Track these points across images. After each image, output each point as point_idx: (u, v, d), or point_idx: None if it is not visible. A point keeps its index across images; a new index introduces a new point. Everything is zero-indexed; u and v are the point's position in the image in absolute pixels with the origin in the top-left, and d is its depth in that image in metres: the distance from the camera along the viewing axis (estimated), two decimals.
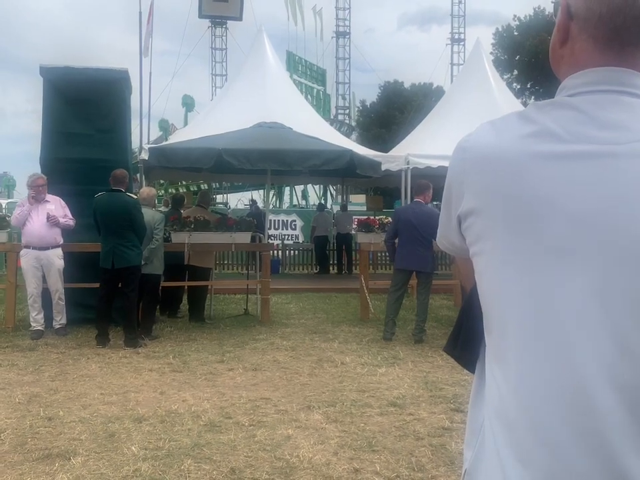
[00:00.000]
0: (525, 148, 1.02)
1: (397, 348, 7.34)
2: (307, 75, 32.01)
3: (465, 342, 1.25)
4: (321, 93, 33.45)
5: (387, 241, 8.09)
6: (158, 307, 8.63)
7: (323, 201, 22.98)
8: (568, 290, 0.97)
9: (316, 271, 16.46)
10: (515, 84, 35.11)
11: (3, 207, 17.37)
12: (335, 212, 19.17)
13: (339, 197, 23.95)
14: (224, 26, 34.37)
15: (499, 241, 1.03)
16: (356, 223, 12.09)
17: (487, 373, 1.09)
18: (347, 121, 36.67)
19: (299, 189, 29.68)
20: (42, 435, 4.41)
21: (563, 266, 0.98)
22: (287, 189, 29.50)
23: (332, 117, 33.19)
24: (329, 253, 16.80)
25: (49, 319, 7.90)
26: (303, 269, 17.06)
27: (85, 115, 8.29)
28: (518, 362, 1.01)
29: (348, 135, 26.33)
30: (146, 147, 10.87)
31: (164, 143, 16.77)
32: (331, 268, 16.66)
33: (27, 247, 7.74)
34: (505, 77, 33.27)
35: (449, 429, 4.62)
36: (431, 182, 8.07)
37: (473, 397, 1.17)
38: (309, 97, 29.13)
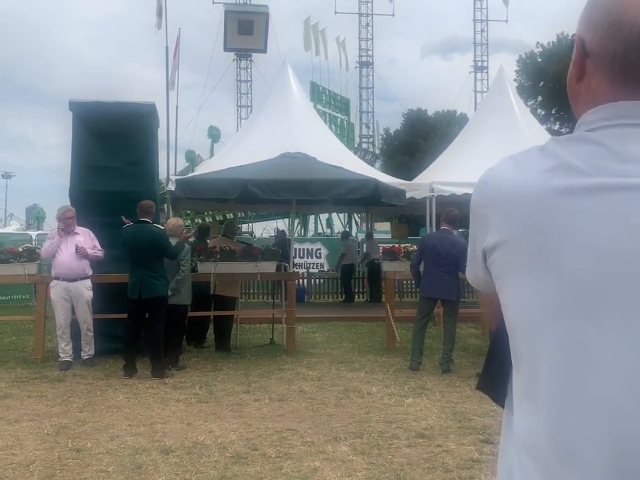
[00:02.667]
0: (547, 182, 1.01)
1: (424, 378, 7.27)
2: (331, 105, 32.30)
3: (495, 378, 1.25)
4: (345, 122, 33.70)
5: (412, 267, 8.08)
6: (184, 337, 8.67)
7: (347, 229, 23.01)
8: (597, 325, 0.96)
9: (341, 300, 16.41)
10: (539, 110, 35.00)
11: (33, 238, 17.63)
12: (359, 240, 19.12)
13: (364, 225, 23.95)
14: (249, 58, 34.92)
15: (523, 276, 1.03)
16: (381, 251, 12.06)
17: (515, 407, 1.08)
18: (371, 150, 36.80)
19: (323, 217, 29.76)
20: (70, 466, 4.43)
21: (588, 301, 0.97)
22: (312, 217, 29.61)
23: (356, 146, 33.33)
24: (355, 281, 16.76)
25: (77, 349, 7.98)
26: (328, 297, 17.03)
27: (113, 148, 8.45)
28: (549, 395, 1.00)
29: (372, 163, 26.40)
30: (173, 178, 11.02)
31: (190, 173, 16.98)
32: (357, 296, 16.60)
33: (57, 278, 7.86)
34: (529, 103, 33.20)
35: (479, 460, 4.54)
36: (459, 213, 8.05)
37: (504, 435, 1.15)
38: (332, 126, 29.35)
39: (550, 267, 1.00)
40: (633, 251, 0.95)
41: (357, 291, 16.78)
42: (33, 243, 15.24)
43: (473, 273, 1.22)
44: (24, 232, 25.04)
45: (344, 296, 16.43)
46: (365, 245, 17.17)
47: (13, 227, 29.63)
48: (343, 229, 25.22)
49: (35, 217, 41.70)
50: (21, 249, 8.43)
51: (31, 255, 8.40)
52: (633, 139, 1.00)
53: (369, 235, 17.17)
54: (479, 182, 1.13)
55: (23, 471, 4.35)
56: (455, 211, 8.07)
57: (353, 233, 24.16)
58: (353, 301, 16.16)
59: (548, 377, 1.00)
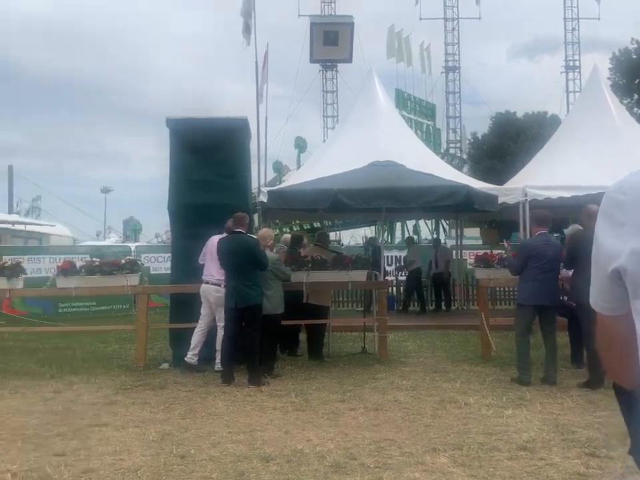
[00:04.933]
0: None
1: (522, 389, 7.06)
2: (417, 111, 32.00)
3: None
4: (431, 127, 33.32)
5: (516, 274, 7.79)
6: (278, 345, 8.80)
7: (435, 235, 22.73)
8: None
9: (431, 308, 16.15)
10: (635, 108, 33.46)
11: (132, 250, 18.34)
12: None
13: (452, 231, 23.55)
14: (334, 69, 35.14)
15: None
16: (473, 257, 11.82)
17: None
18: (459, 154, 36.23)
19: (410, 223, 29.48)
20: (176, 472, 4.58)
21: None
22: (398, 224, 29.39)
23: (443, 151, 32.90)
24: (426, 289, 16.49)
25: (178, 357, 8.31)
26: (417, 306, 16.82)
27: (208, 162, 8.71)
28: None
29: (459, 168, 25.95)
30: (264, 189, 11.23)
31: (278, 183, 17.24)
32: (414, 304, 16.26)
33: None
34: (625, 101, 31.79)
35: (585, 475, 4.37)
36: (550, 213, 7.81)
37: None
38: (418, 132, 29.08)
39: None
40: None
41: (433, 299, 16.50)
42: (133, 254, 15.89)
43: (601, 297, 1.15)
44: (123, 244, 26.17)
45: (434, 304, 16.17)
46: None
47: (112, 240, 31.04)
48: (430, 236, 24.90)
49: (132, 229, 43.55)
50: (123, 261, 8.81)
51: (133, 266, 8.77)
52: None
53: (437, 242, 16.77)
54: (609, 197, 1.09)
55: (132, 476, 4.52)
56: (544, 211, 7.83)
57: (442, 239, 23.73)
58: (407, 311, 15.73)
59: None
